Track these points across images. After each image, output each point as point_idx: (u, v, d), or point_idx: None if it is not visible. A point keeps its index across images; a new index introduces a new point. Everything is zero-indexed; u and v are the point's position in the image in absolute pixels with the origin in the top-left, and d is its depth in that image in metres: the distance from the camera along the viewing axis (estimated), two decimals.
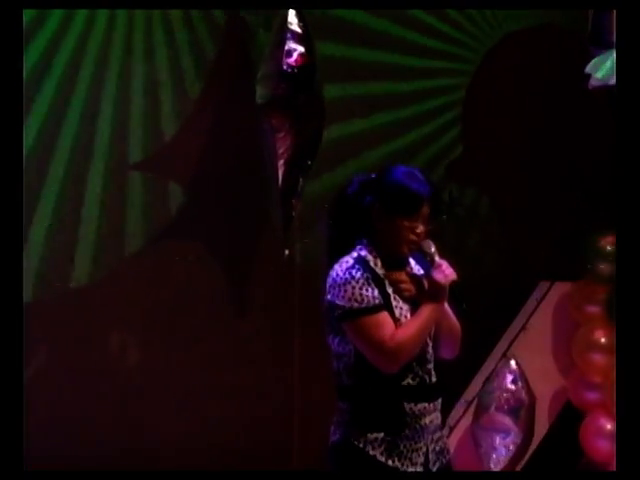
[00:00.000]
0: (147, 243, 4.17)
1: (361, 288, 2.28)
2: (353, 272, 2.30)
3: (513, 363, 4.05)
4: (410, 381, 2.32)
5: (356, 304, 2.27)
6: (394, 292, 2.33)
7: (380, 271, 2.35)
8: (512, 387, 4.05)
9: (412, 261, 2.40)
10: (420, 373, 2.34)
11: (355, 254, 2.36)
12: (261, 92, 4.21)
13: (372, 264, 2.35)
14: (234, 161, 4.52)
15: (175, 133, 4.27)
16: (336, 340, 2.32)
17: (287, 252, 4.22)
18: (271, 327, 4.38)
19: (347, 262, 2.33)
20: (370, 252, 2.38)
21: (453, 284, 2.32)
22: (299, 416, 4.55)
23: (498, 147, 4.69)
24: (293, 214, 4.72)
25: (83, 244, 4.14)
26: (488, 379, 4.06)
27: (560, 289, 4.13)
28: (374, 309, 2.27)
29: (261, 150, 4.62)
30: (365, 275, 2.30)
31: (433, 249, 2.36)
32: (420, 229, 2.35)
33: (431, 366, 2.38)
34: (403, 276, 2.39)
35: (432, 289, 2.33)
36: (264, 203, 4.62)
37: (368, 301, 2.27)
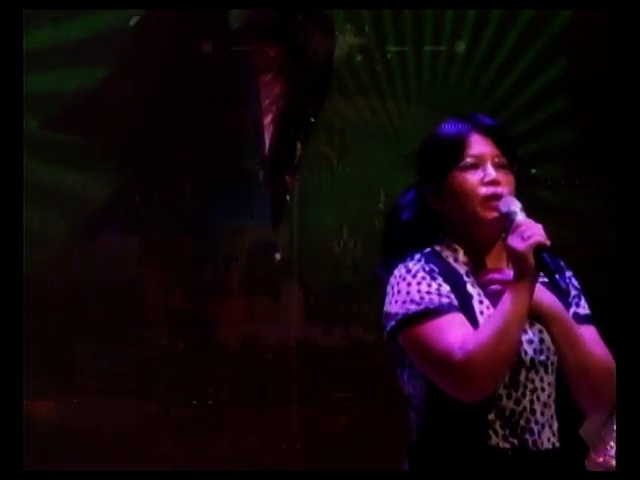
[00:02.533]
0: None
1: (420, 284, 1.70)
2: (411, 265, 1.74)
3: None
4: (499, 441, 1.55)
5: (413, 307, 1.68)
6: (483, 294, 1.71)
7: (462, 268, 1.75)
8: None
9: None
10: (510, 428, 1.54)
11: (428, 249, 1.81)
12: (237, 14, 2.83)
13: (449, 258, 1.77)
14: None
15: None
16: (405, 374, 1.73)
17: (278, 256, 3.43)
18: None
19: (410, 257, 1.78)
20: (447, 245, 1.79)
21: (540, 250, 1.58)
22: None
23: None
24: (287, 198, 3.54)
25: None
26: None
27: None
28: (439, 310, 1.65)
29: (240, 102, 3.09)
30: (429, 267, 1.72)
31: (514, 207, 1.68)
32: (490, 176, 1.72)
33: (538, 416, 1.55)
34: (497, 273, 1.70)
35: (511, 263, 1.65)
36: (242, 183, 3.61)
37: (431, 300, 1.67)
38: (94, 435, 7.64)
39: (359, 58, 6.55)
